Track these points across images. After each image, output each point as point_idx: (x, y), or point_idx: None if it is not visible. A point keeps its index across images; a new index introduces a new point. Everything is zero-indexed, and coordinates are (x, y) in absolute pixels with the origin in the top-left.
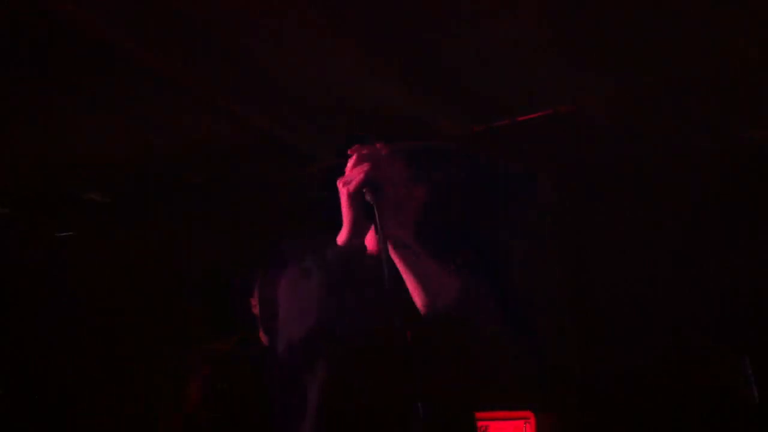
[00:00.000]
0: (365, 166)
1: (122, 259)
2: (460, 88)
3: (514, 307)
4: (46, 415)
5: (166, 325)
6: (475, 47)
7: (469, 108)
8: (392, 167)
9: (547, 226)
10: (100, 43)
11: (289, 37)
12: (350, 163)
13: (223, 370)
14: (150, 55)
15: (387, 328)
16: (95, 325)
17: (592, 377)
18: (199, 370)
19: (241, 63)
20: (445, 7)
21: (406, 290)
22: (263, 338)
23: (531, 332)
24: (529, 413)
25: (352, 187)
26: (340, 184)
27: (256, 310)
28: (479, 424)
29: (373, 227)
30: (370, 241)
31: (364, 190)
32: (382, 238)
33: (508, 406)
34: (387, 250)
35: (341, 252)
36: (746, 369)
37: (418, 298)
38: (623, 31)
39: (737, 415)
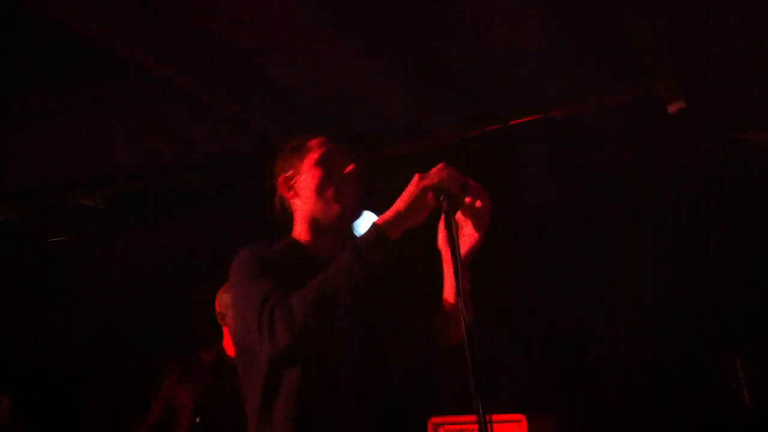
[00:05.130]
0: (451, 172)
1: (121, 263)
2: (459, 93)
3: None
4: (44, 415)
5: (165, 327)
6: (475, 53)
7: (465, 112)
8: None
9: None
10: (103, 49)
11: (294, 42)
12: (438, 166)
13: (209, 379)
14: (149, 55)
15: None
16: (93, 327)
17: (589, 378)
18: (187, 377)
19: (243, 66)
20: (446, 14)
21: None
22: (228, 350)
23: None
24: (520, 416)
25: (428, 181)
26: (417, 177)
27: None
28: (470, 426)
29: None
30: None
31: (441, 197)
32: (455, 245)
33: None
34: (458, 258)
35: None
36: (738, 371)
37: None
38: (622, 35)
39: (730, 418)
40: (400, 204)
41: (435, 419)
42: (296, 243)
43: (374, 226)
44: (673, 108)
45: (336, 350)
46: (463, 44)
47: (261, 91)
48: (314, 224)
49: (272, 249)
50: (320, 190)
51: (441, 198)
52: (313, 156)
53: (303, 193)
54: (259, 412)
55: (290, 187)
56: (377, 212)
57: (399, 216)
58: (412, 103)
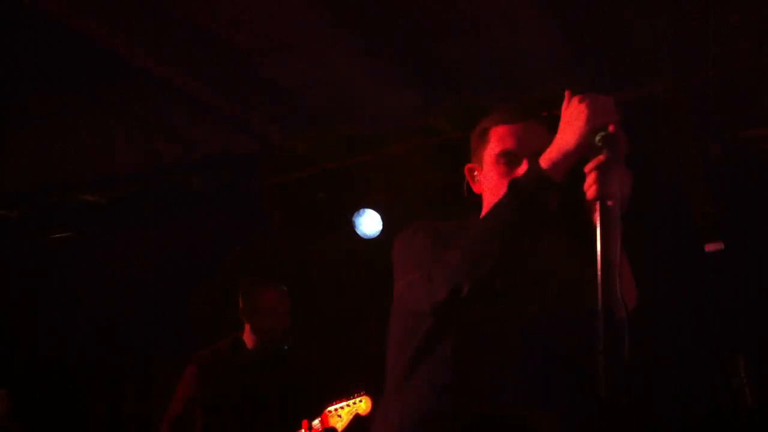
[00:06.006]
0: (618, 113)
1: (121, 263)
2: (459, 93)
3: None
4: (44, 414)
5: (165, 327)
6: (475, 53)
7: (466, 109)
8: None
9: None
10: (103, 49)
11: (294, 42)
12: (609, 100)
13: (213, 371)
14: (149, 55)
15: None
16: (93, 327)
17: (588, 378)
18: (204, 371)
19: (243, 66)
20: (446, 14)
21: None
22: (247, 342)
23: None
24: None
25: (602, 120)
26: (586, 109)
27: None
28: None
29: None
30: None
31: (602, 141)
32: (614, 197)
33: None
34: (609, 209)
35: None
36: (741, 370)
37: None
38: (622, 35)
39: (731, 417)
40: (569, 141)
41: None
42: None
43: (537, 167)
44: (710, 248)
45: (496, 302)
46: (463, 44)
47: (261, 91)
48: None
49: (457, 222)
50: (496, 194)
51: (601, 142)
52: (492, 151)
53: (484, 189)
54: (402, 377)
55: (474, 179)
56: (378, 211)
57: (567, 155)
58: (412, 103)
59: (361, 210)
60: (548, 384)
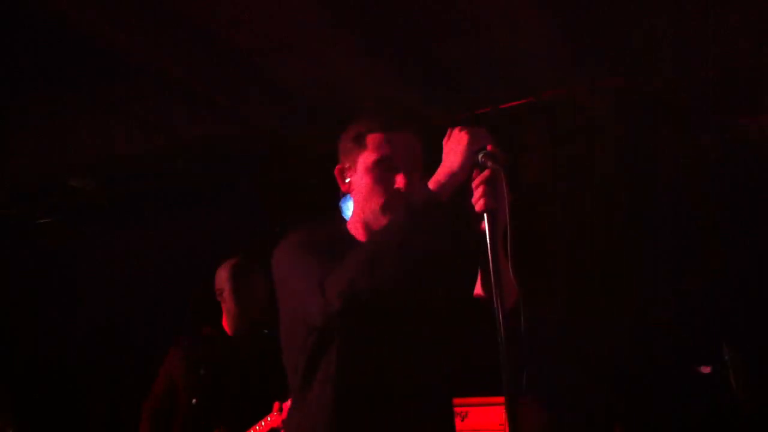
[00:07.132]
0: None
1: (121, 263)
2: (459, 93)
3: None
4: (44, 415)
5: (165, 327)
6: (475, 53)
7: (460, 100)
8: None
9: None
10: (103, 49)
11: (294, 42)
12: (482, 129)
13: (195, 355)
14: (149, 54)
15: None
16: (93, 327)
17: (583, 368)
18: (189, 353)
19: (243, 66)
20: (446, 14)
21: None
22: (227, 327)
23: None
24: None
25: (480, 144)
26: (465, 138)
27: (221, 300)
28: (458, 410)
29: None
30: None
31: (484, 159)
32: (507, 207)
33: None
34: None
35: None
36: (726, 360)
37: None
38: (622, 35)
39: (730, 417)
40: (453, 163)
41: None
42: (350, 237)
43: (427, 189)
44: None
45: (387, 317)
46: (463, 44)
47: (261, 91)
48: (367, 227)
49: (328, 232)
50: (369, 200)
51: (484, 159)
52: (368, 158)
53: (355, 193)
54: (299, 390)
55: (345, 180)
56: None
57: (453, 176)
58: (412, 103)
59: (347, 196)
60: (434, 406)
